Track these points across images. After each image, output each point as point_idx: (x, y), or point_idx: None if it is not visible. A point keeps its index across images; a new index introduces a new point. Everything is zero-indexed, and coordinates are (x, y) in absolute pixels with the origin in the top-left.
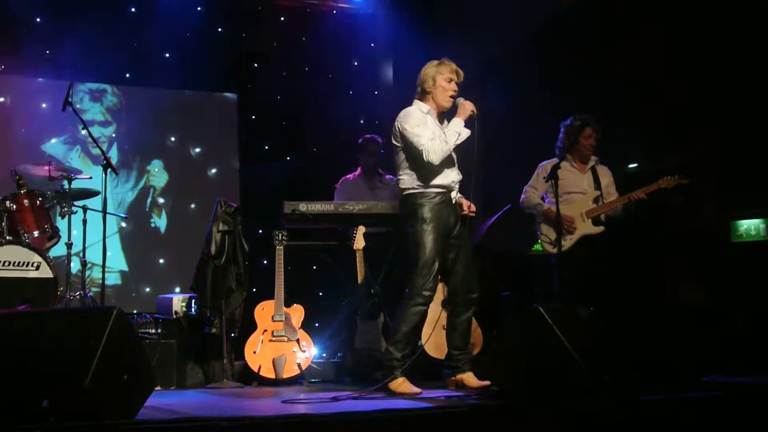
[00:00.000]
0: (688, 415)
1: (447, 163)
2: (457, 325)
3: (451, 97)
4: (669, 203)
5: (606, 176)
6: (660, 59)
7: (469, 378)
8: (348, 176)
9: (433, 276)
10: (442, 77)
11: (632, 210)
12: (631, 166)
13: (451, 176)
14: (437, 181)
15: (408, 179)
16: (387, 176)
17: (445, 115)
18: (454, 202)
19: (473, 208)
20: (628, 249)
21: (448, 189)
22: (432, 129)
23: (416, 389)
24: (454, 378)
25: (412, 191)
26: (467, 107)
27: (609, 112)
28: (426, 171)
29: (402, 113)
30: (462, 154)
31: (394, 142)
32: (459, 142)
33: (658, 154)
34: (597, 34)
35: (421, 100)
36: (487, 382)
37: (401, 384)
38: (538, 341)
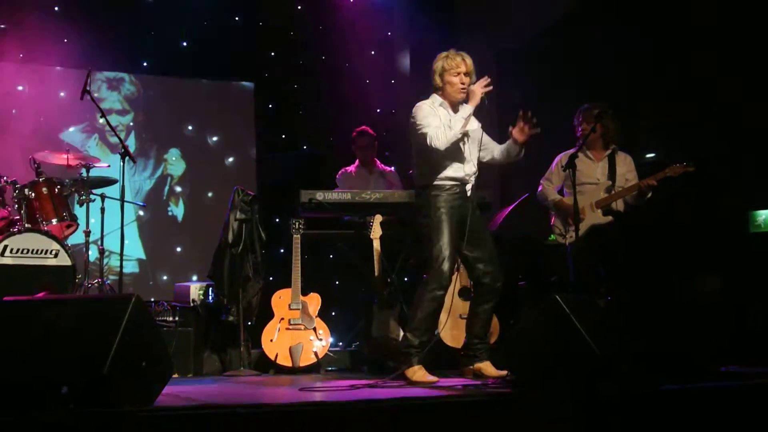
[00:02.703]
0: (706, 405)
1: (460, 155)
2: (479, 314)
3: (461, 89)
4: (684, 193)
5: (624, 164)
6: (676, 47)
7: (487, 367)
8: (347, 168)
9: (448, 260)
10: (448, 73)
11: (647, 198)
12: (649, 156)
13: (465, 169)
14: (451, 173)
15: (422, 171)
16: (388, 168)
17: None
18: (469, 194)
19: (524, 118)
20: (643, 240)
21: (462, 182)
22: (442, 119)
23: (433, 378)
24: (471, 367)
25: (425, 183)
26: (477, 93)
27: (626, 102)
28: (439, 163)
29: (414, 107)
30: (479, 147)
31: (410, 136)
32: (467, 129)
33: (675, 144)
34: (615, 23)
35: (435, 93)
36: (505, 372)
37: (417, 372)
38: (555, 331)
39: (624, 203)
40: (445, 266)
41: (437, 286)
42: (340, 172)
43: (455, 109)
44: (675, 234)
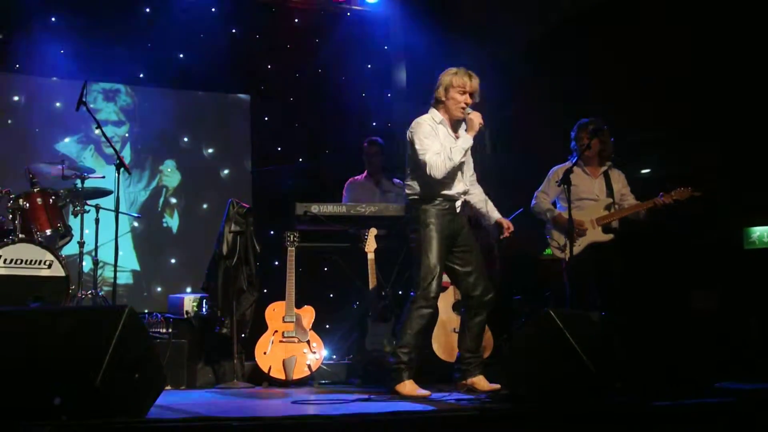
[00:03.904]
0: (700, 421)
1: (453, 174)
2: (470, 328)
3: (462, 108)
4: (690, 210)
5: (619, 181)
6: (672, 62)
7: (480, 381)
8: (356, 177)
9: (436, 279)
10: (455, 89)
11: (661, 214)
12: (644, 171)
13: (456, 188)
14: (442, 190)
15: (414, 185)
16: (395, 179)
17: (460, 124)
18: (458, 210)
19: (512, 228)
20: (639, 255)
21: (453, 199)
22: (442, 141)
23: (425, 392)
24: (464, 381)
25: (416, 197)
26: (475, 122)
27: (621, 116)
28: (432, 180)
29: (414, 123)
30: (470, 166)
31: (408, 149)
32: (464, 159)
33: (671, 160)
34: (608, 35)
35: (435, 108)
36: (498, 386)
37: (408, 386)
38: (549, 345)
39: (620, 220)
40: (433, 285)
41: (425, 304)
42: (348, 181)
43: (454, 127)
44: (671, 251)
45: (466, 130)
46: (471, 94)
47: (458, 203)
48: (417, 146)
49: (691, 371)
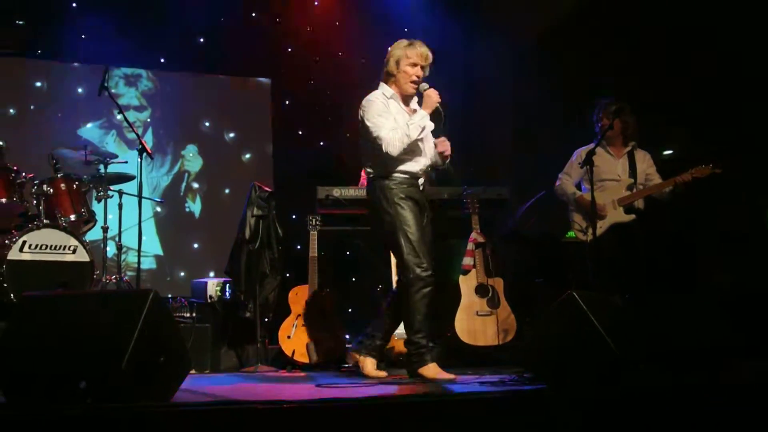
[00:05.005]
0: (722, 402)
1: (416, 150)
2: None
3: (413, 82)
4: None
5: (644, 161)
6: (694, 45)
7: (433, 369)
8: None
9: (424, 255)
10: (406, 61)
11: (680, 192)
12: (666, 152)
13: (419, 164)
14: (405, 167)
15: (375, 163)
16: None
17: (412, 97)
18: (422, 188)
19: (447, 146)
20: (663, 238)
21: (416, 176)
22: (395, 116)
23: (449, 375)
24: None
25: (379, 177)
26: (432, 99)
27: (643, 98)
28: (393, 158)
29: (364, 101)
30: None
31: (360, 129)
32: (422, 136)
33: (693, 141)
34: (632, 17)
35: (386, 82)
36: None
37: (432, 369)
38: (572, 328)
39: (645, 201)
40: (424, 262)
41: (423, 284)
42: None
43: (405, 101)
44: (693, 232)
45: (419, 104)
46: (422, 68)
47: (421, 180)
48: (369, 125)
49: (712, 353)
